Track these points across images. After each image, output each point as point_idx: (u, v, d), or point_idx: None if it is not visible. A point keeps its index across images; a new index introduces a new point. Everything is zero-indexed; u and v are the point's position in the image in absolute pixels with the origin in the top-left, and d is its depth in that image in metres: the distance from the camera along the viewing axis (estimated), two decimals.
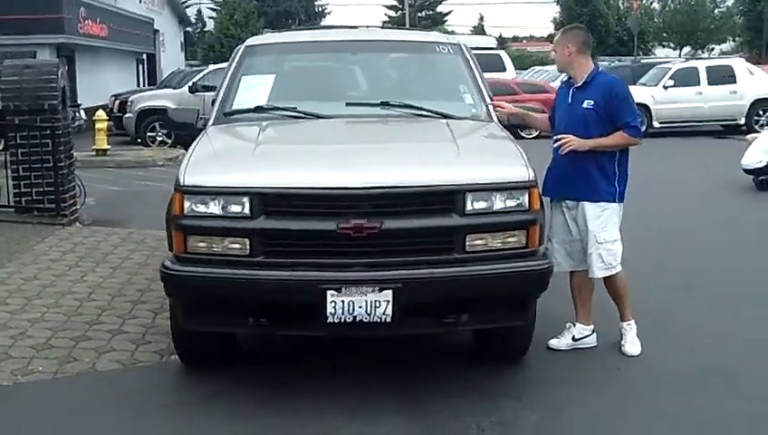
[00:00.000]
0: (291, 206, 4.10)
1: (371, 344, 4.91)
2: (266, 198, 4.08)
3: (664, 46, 53.19)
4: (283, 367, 4.87)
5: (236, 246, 4.13)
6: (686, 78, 20.15)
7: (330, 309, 4.01)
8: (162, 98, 16.57)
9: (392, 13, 56.51)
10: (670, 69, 20.83)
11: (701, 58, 31.12)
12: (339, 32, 6.31)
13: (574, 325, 5.12)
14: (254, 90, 5.44)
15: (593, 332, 5.12)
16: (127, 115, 17.57)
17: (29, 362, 4.81)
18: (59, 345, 5.09)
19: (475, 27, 66.53)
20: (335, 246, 4.06)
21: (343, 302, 4.01)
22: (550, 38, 41.55)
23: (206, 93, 16.16)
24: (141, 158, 14.96)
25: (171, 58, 35.58)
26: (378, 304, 4.02)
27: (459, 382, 4.56)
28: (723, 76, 20.30)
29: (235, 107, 5.33)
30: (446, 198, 4.12)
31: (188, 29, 42.19)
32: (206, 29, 45.41)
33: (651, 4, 52.22)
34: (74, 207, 9.00)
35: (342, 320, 4.02)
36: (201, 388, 4.53)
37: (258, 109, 5.29)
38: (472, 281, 4.13)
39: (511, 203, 4.21)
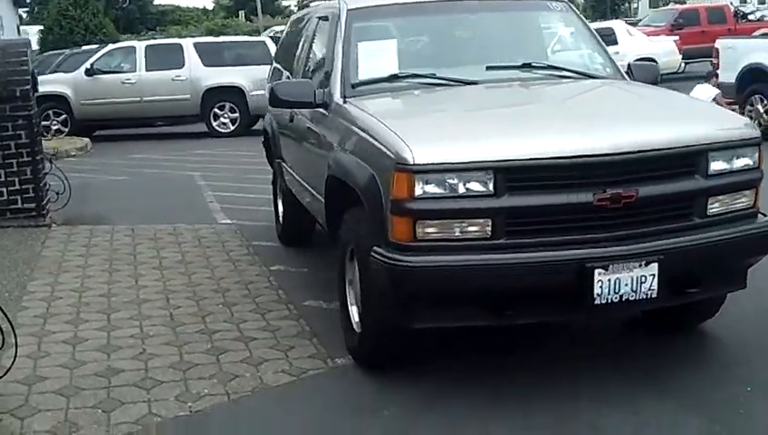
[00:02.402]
0: (540, 179, 3.65)
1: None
2: (512, 171, 3.62)
3: None
4: (454, 362, 4.40)
5: (475, 228, 3.64)
6: None
7: (596, 290, 3.61)
8: (56, 83, 15.09)
9: None
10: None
11: None
12: None
13: None
14: (376, 57, 4.86)
15: None
16: None
17: (185, 386, 4.08)
18: (198, 362, 4.36)
19: (299, 1, 65.78)
20: (591, 220, 3.67)
21: (609, 280, 3.62)
22: None
23: (103, 76, 15.24)
24: (48, 150, 13.51)
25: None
26: (643, 280, 3.66)
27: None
28: (604, 37, 20.99)
29: (362, 77, 4.75)
30: (693, 159, 3.82)
31: (23, 11, 39.03)
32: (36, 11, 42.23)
33: None
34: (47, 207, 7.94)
35: (609, 300, 3.64)
36: (405, 392, 4.01)
37: (393, 78, 4.76)
38: (720, 246, 3.85)
39: (746, 161, 3.97)
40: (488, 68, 4.86)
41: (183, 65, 15.53)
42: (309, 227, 6.82)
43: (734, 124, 4.07)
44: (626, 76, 5.07)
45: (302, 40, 6.10)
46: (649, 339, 4.53)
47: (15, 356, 4.03)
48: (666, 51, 21.60)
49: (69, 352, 4.51)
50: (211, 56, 15.74)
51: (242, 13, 44.23)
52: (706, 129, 3.94)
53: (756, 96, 11.91)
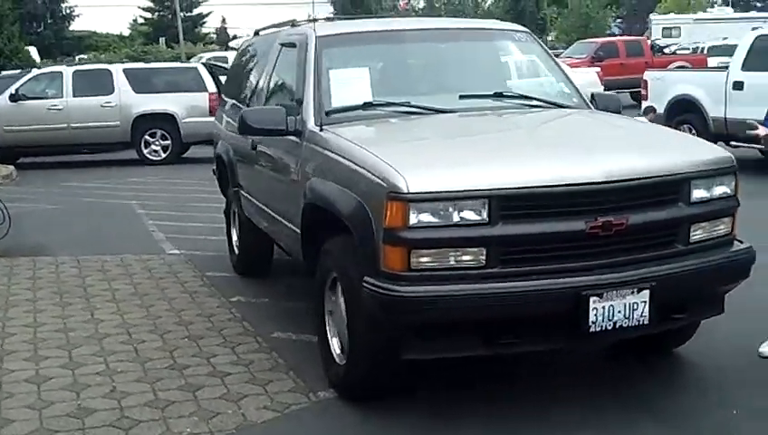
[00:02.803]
0: (534, 207, 3.65)
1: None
2: (507, 199, 3.60)
3: None
4: (442, 392, 4.35)
5: (469, 257, 3.61)
6: None
7: (591, 317, 3.62)
8: None
9: (148, 15, 54.07)
10: None
11: None
12: (409, 20, 5.80)
13: None
14: (349, 85, 4.81)
15: None
16: None
17: (166, 425, 3.90)
18: (175, 399, 4.19)
19: (217, 29, 65.47)
20: (584, 248, 3.68)
21: (604, 308, 3.64)
22: None
23: (28, 102, 14.75)
24: None
25: None
26: (635, 306, 3.69)
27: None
28: None
29: (336, 105, 4.69)
30: (678, 187, 3.89)
31: None
32: None
33: (418, 3, 53.98)
34: None
35: (603, 327, 3.65)
36: (392, 425, 3.93)
37: (367, 105, 4.72)
38: (705, 272, 3.93)
39: (723, 189, 4.06)
40: (461, 96, 4.87)
41: (112, 91, 15.14)
42: (267, 256, 6.71)
43: (714, 153, 4.16)
44: (591, 106, 5.16)
45: (262, 67, 6.01)
46: (631, 364, 4.58)
47: None
48: (589, 81, 22.11)
49: (34, 392, 4.28)
50: (142, 82, 15.39)
51: (162, 39, 43.61)
52: (689, 157, 4.02)
53: (685, 126, 12.30)
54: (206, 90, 15.36)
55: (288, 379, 4.48)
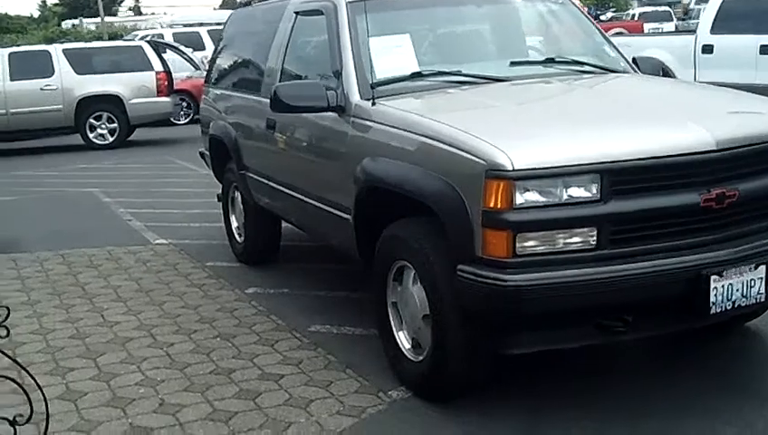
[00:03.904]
0: (647, 180, 3.32)
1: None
2: (619, 173, 3.27)
3: None
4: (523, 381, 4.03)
5: (578, 239, 3.26)
6: None
7: (712, 298, 3.33)
8: None
9: None
10: None
11: None
12: None
13: None
14: (391, 54, 4.41)
15: None
16: None
17: None
18: (236, 409, 3.75)
19: (131, 8, 63.49)
20: (697, 223, 3.38)
21: (723, 287, 3.35)
22: None
23: None
24: None
25: None
26: (752, 283, 3.41)
27: None
28: None
29: (381, 76, 4.27)
30: None
31: None
32: None
33: None
34: None
35: (723, 308, 3.37)
36: (485, 422, 3.59)
37: (415, 75, 4.32)
38: None
39: None
40: (512, 63, 4.53)
41: (52, 73, 14.27)
42: (276, 243, 6.27)
43: None
44: (637, 70, 4.88)
45: (270, 39, 5.52)
46: (711, 341, 4.33)
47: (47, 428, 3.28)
48: None
49: (73, 412, 3.79)
50: (83, 63, 14.55)
51: (81, 19, 41.85)
52: None
53: None
54: (152, 69, 14.65)
55: (349, 378, 4.09)
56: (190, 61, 16.04)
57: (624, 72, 4.75)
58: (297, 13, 5.22)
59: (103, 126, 14.57)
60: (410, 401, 3.83)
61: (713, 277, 3.31)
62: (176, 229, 7.62)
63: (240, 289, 5.66)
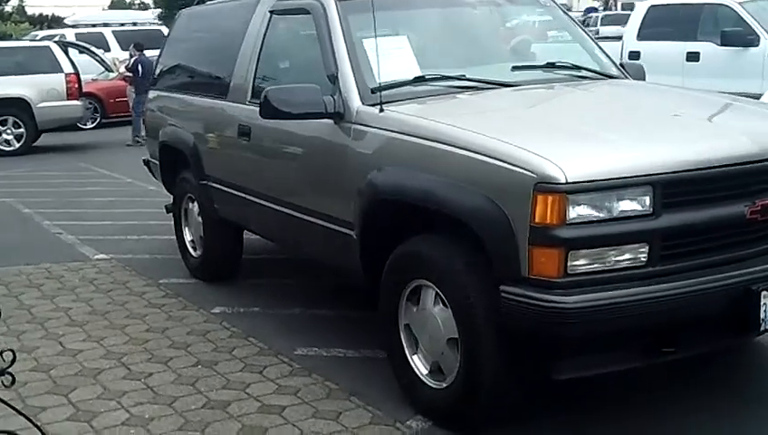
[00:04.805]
0: (697, 192, 3.15)
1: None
2: (671, 185, 3.08)
3: None
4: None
5: (628, 256, 3.06)
6: None
7: (761, 314, 3.19)
8: None
9: None
10: None
11: None
12: None
13: None
14: (389, 57, 4.11)
15: None
16: None
17: None
18: None
19: (14, 8, 60.76)
20: (743, 235, 3.24)
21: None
22: None
23: None
24: None
25: None
26: None
27: None
28: None
29: (381, 80, 3.97)
30: None
31: None
32: None
33: None
34: None
35: None
36: None
37: (418, 79, 4.05)
38: None
39: None
40: (514, 68, 4.32)
41: None
42: (237, 258, 5.88)
43: None
44: (628, 75, 4.75)
45: (238, 41, 5.12)
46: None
47: None
48: None
49: None
50: None
51: None
52: None
53: None
54: (61, 71, 13.84)
55: (357, 407, 3.77)
56: (102, 62, 15.26)
57: (620, 77, 4.61)
58: (273, 12, 4.86)
59: (9, 131, 13.68)
60: (433, 431, 3.56)
61: (763, 293, 3.17)
62: (114, 243, 7.10)
63: (205, 309, 5.25)
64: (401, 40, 4.23)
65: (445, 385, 3.52)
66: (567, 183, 2.97)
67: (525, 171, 3.04)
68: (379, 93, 3.80)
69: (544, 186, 2.98)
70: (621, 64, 4.96)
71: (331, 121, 4.04)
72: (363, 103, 3.93)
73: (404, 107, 3.83)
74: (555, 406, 3.66)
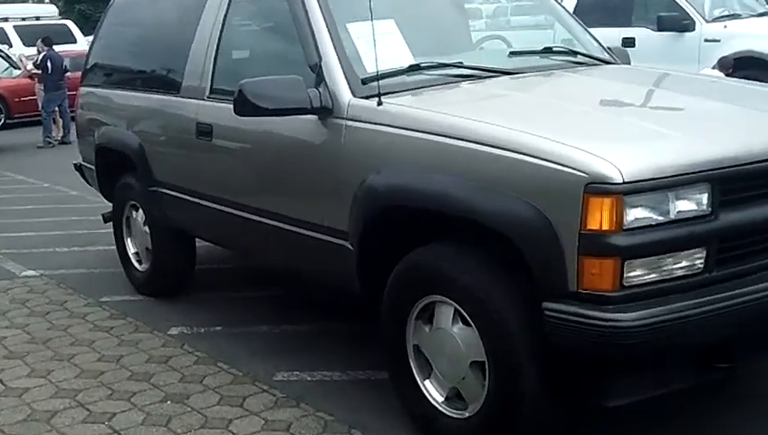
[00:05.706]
0: (752, 188, 2.81)
1: None
2: (729, 181, 2.74)
3: None
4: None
5: (684, 263, 2.70)
6: None
7: None
8: None
9: None
10: None
11: None
12: None
13: None
14: (378, 44, 3.64)
15: None
16: None
17: None
18: None
19: None
20: None
21: None
22: None
23: None
24: None
25: None
26: None
27: None
28: None
29: (372, 70, 3.49)
30: None
31: None
32: None
33: None
34: None
35: None
36: None
37: (413, 68, 3.61)
38: None
39: None
40: (511, 53, 3.93)
41: None
42: (188, 271, 5.32)
43: None
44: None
45: (190, 26, 4.55)
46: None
47: None
48: None
49: None
50: None
51: None
52: None
53: None
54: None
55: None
56: (7, 58, 14.23)
57: (614, 62, 4.29)
58: None
59: None
60: None
61: None
62: (41, 257, 6.42)
63: (160, 330, 4.69)
64: (388, 24, 3.76)
65: (468, 414, 3.10)
66: (624, 183, 2.58)
67: (574, 171, 2.64)
68: (377, 83, 3.33)
69: (597, 187, 2.59)
70: (610, 49, 4.63)
71: (314, 117, 3.57)
72: (355, 96, 3.47)
73: (403, 99, 3.39)
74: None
